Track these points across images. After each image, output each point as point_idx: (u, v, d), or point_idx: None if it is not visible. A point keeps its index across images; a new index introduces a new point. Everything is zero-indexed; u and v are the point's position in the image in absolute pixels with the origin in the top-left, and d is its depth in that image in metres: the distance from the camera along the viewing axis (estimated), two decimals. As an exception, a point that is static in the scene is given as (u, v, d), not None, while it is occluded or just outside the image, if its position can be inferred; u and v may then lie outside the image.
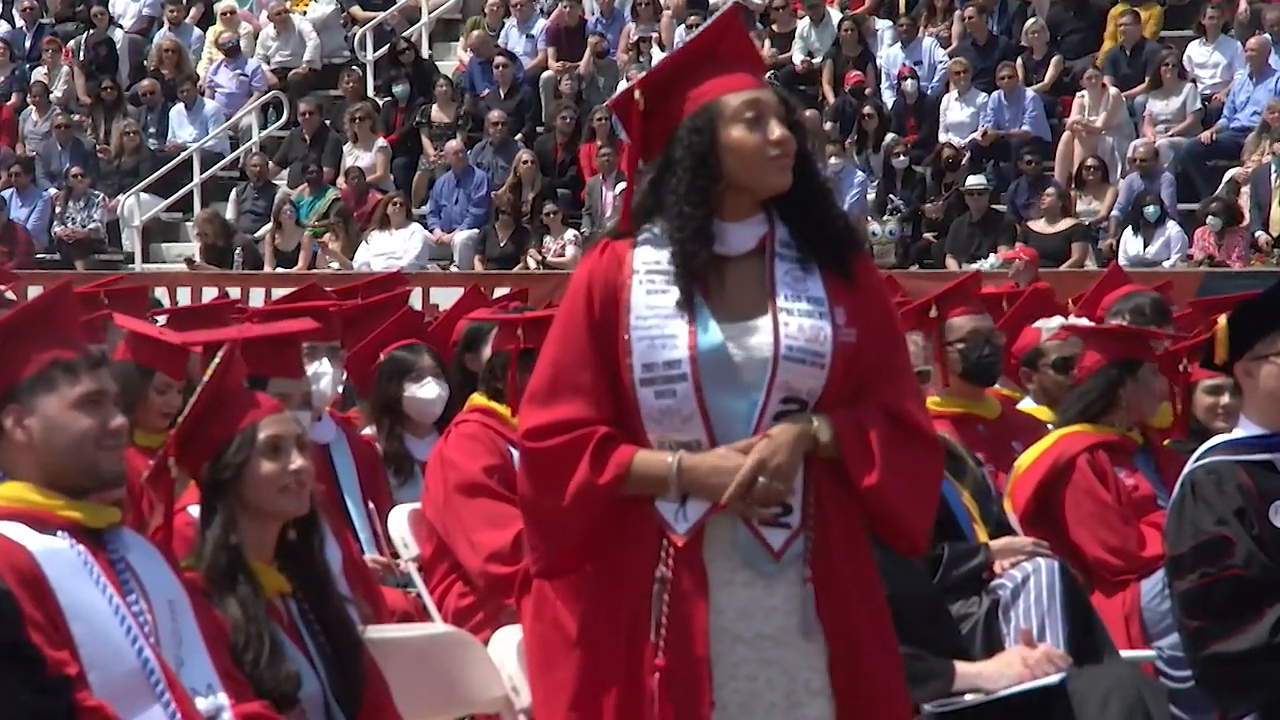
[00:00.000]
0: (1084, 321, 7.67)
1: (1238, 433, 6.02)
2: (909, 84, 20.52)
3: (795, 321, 4.41)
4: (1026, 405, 8.21)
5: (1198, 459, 6.02)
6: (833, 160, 19.76)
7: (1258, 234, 18.47)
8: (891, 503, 4.46)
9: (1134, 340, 7.48)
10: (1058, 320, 7.71)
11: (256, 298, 17.93)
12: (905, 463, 4.46)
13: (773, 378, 4.41)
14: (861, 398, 4.47)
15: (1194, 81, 19.91)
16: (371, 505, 7.67)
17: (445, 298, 16.52)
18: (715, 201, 4.43)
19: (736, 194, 4.46)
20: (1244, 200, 18.75)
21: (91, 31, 24.19)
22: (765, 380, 4.40)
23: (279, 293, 15.09)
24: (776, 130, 4.42)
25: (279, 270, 20.76)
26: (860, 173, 19.96)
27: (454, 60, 23.08)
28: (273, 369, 6.17)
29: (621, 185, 19.99)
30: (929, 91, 20.76)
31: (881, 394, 4.48)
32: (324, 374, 7.78)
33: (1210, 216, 18.28)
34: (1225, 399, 7.42)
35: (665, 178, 4.47)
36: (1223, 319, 5.91)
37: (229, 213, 21.99)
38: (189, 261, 21.28)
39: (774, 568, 4.44)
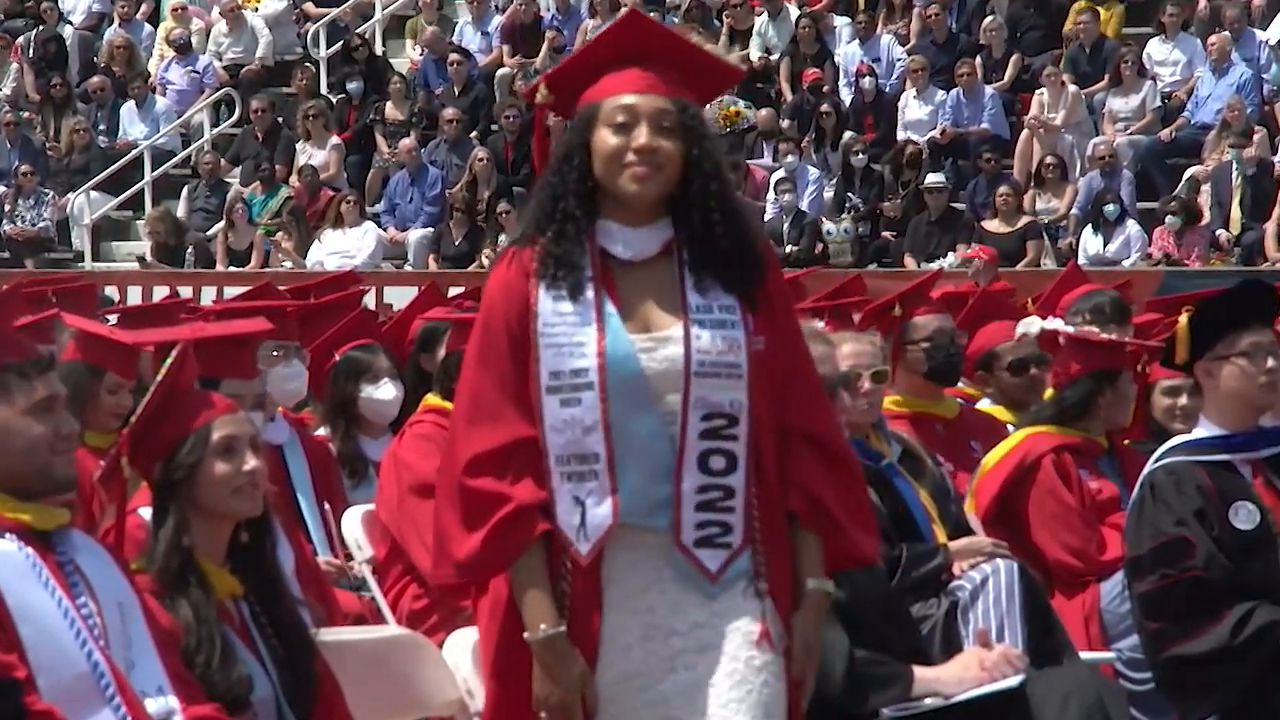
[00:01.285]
0: (1064, 326, 7.62)
1: (1198, 433, 6.03)
2: (867, 81, 20.49)
3: (706, 334, 4.38)
4: (984, 405, 8.17)
5: (1157, 459, 6.02)
6: (789, 159, 19.73)
7: (1218, 232, 18.46)
8: (850, 543, 4.51)
9: (1115, 351, 7.44)
10: (1037, 323, 7.66)
11: (208, 297, 17.82)
12: (848, 499, 4.49)
13: (686, 395, 4.36)
14: (779, 425, 4.45)
15: (1154, 79, 19.91)
16: (326, 506, 7.61)
17: (399, 297, 16.45)
18: (591, 202, 4.40)
19: (617, 199, 4.42)
20: (1204, 199, 18.75)
21: (41, 28, 24.06)
22: (679, 398, 4.35)
23: (231, 291, 14.99)
24: (642, 137, 4.38)
25: (231, 269, 20.67)
26: (815, 170, 19.92)
27: (408, 57, 23.00)
28: (226, 370, 6.10)
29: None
30: (887, 89, 20.73)
31: (798, 417, 4.46)
32: (297, 374, 7.75)
33: (1170, 216, 18.26)
34: (1183, 400, 7.41)
35: (549, 178, 4.47)
36: (1183, 319, 5.90)
37: (180, 211, 21.89)
38: (140, 260, 21.16)
39: (716, 588, 4.42)
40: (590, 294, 4.38)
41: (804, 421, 4.45)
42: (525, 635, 4.39)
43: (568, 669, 4.39)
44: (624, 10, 4.58)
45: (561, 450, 4.37)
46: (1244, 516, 5.85)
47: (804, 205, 19.53)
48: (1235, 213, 18.52)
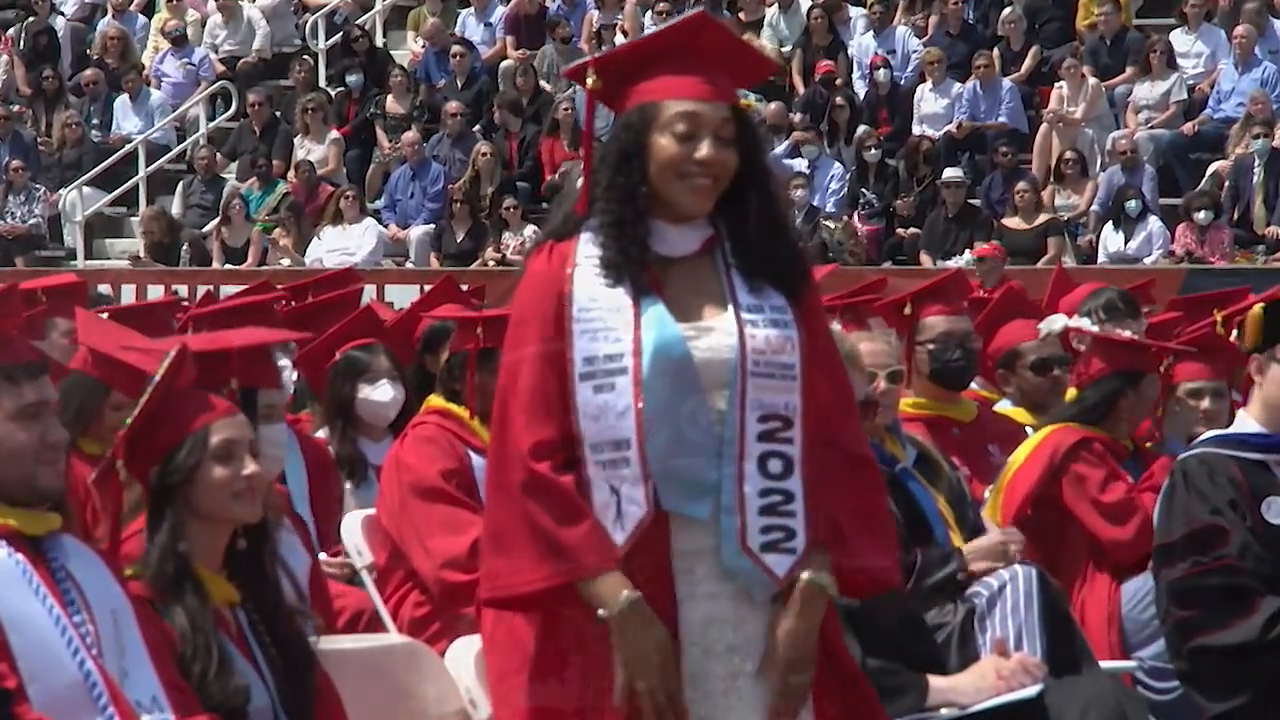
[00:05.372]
0: (1089, 325, 7.52)
1: (1235, 428, 5.99)
2: (882, 74, 20.35)
3: (761, 333, 4.30)
4: (1004, 407, 8.08)
5: (1189, 449, 5.97)
6: (810, 147, 19.56)
7: (1271, 229, 18.24)
8: (852, 551, 4.38)
9: (1139, 351, 7.34)
10: (1061, 321, 7.56)
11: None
12: (862, 511, 4.37)
13: (743, 396, 4.27)
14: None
15: (1176, 71, 19.73)
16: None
17: (401, 295, 16.38)
18: (644, 201, 4.32)
19: (663, 199, 4.35)
20: (1225, 194, 18.58)
21: (32, 19, 24.03)
22: (726, 393, 4.26)
23: (228, 290, 14.89)
24: (704, 150, 4.30)
25: (228, 267, 20.59)
26: (838, 165, 19.75)
27: (409, 49, 22.91)
28: (260, 380, 5.94)
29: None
30: (902, 82, 20.58)
31: (825, 425, 4.35)
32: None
33: (1203, 210, 18.04)
34: (1205, 403, 7.37)
35: (599, 168, 4.38)
36: (1258, 307, 5.83)
37: (175, 207, 21.84)
38: (134, 258, 21.07)
39: (773, 594, 4.31)
40: (630, 283, 4.28)
41: (830, 430, 4.36)
42: (601, 612, 4.22)
43: (653, 634, 4.22)
44: (694, 12, 4.46)
45: (596, 438, 4.26)
46: (1277, 510, 5.84)
47: (818, 201, 19.36)
48: (1259, 209, 18.34)
